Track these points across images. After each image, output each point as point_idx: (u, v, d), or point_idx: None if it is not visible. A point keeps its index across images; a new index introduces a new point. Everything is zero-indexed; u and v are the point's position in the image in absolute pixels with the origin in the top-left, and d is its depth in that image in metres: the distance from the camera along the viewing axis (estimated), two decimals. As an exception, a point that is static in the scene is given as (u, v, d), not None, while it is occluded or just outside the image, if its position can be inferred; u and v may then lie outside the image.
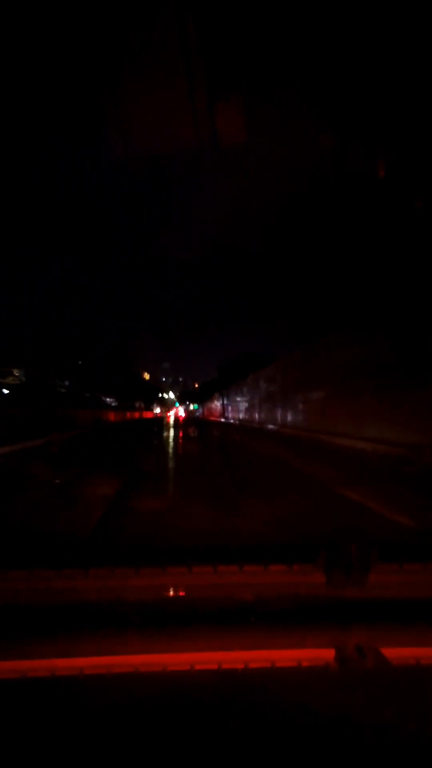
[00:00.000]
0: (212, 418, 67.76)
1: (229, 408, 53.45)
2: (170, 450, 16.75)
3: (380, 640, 1.14)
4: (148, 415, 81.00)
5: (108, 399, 70.70)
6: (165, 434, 26.45)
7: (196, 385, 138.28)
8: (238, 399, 45.84)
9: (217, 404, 68.49)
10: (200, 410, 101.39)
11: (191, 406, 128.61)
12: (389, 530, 4.75)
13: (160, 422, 42.40)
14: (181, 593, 1.39)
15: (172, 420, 65.09)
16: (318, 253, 21.28)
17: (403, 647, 1.15)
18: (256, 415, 35.23)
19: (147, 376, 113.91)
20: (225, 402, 56.26)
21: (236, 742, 0.79)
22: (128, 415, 41.45)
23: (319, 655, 1.11)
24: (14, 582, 1.35)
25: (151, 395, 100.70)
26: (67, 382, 47.96)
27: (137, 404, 72.42)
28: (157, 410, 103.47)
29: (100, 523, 4.94)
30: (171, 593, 1.40)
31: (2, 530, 4.40)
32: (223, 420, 53.44)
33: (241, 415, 43.92)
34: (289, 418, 24.24)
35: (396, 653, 1.10)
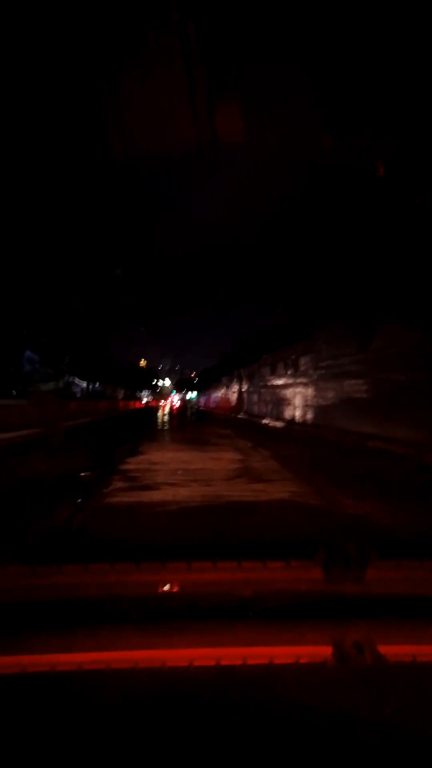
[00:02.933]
0: (219, 412, 46.18)
1: (254, 398, 31.78)
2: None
3: (378, 636, 1.10)
4: (135, 405, 59.46)
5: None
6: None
7: (193, 374, 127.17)
8: (280, 382, 24.23)
9: (228, 392, 46.90)
10: (202, 399, 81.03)
11: (188, 395, 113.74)
12: None
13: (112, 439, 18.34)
14: (181, 589, 1.37)
15: (165, 413, 43.60)
16: (318, 246, 18.33)
17: (401, 644, 1.12)
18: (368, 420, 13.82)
19: (144, 363, 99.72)
20: (246, 388, 34.59)
21: (235, 737, 0.79)
22: (72, 407, 20.15)
23: (317, 651, 1.07)
24: (15, 578, 1.33)
25: (137, 381, 79.15)
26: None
27: (108, 391, 50.90)
28: (145, 399, 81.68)
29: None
30: (170, 589, 1.37)
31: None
32: (244, 416, 31.92)
33: (289, 412, 22.29)
34: None
35: (393, 650, 1.07)
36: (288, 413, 22.04)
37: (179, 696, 0.90)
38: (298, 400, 20.71)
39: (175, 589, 1.36)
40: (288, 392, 22.43)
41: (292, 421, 20.76)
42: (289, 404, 22.15)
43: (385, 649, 1.06)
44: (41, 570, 1.35)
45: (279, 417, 23.57)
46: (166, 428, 20.72)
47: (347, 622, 1.17)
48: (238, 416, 34.13)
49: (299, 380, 20.76)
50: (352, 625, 1.15)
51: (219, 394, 56.34)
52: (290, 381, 22.16)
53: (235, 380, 41.65)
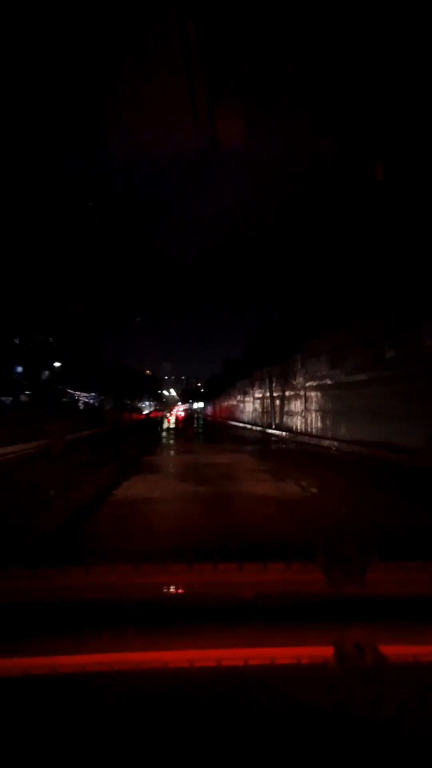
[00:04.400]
0: (235, 426, 36.14)
1: (294, 406, 21.24)
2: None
3: (379, 637, 1.08)
4: (132, 417, 49.17)
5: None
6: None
7: (199, 384, 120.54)
8: (362, 377, 13.74)
9: (245, 400, 36.27)
10: (209, 409, 70.78)
11: (194, 405, 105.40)
12: None
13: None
14: (182, 591, 1.34)
15: (168, 425, 33.31)
16: (320, 249, 18.70)
17: (401, 645, 1.09)
18: None
19: (148, 372, 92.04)
20: (279, 393, 23.84)
21: (236, 737, 0.77)
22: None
23: (318, 652, 1.05)
24: (17, 580, 1.30)
25: (136, 389, 69.07)
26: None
27: (89, 398, 40.61)
28: (147, 410, 70.87)
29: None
30: (171, 591, 1.34)
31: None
32: (280, 433, 21.38)
33: (393, 430, 11.68)
34: None
35: (394, 650, 1.05)
36: (387, 431, 11.50)
37: (181, 697, 0.88)
38: (418, 406, 10.21)
39: (176, 591, 1.32)
40: (383, 393, 11.90)
41: (415, 453, 10.24)
42: (382, 414, 11.62)
43: (386, 650, 1.02)
44: (43, 572, 1.32)
45: (355, 438, 13.05)
46: (153, 476, 10.29)
47: (348, 623, 1.13)
48: (268, 431, 23.60)
49: None
50: (353, 626, 1.11)
51: (232, 402, 45.73)
52: (394, 372, 11.63)
53: (257, 384, 31.13)
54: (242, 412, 38.83)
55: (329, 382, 16.46)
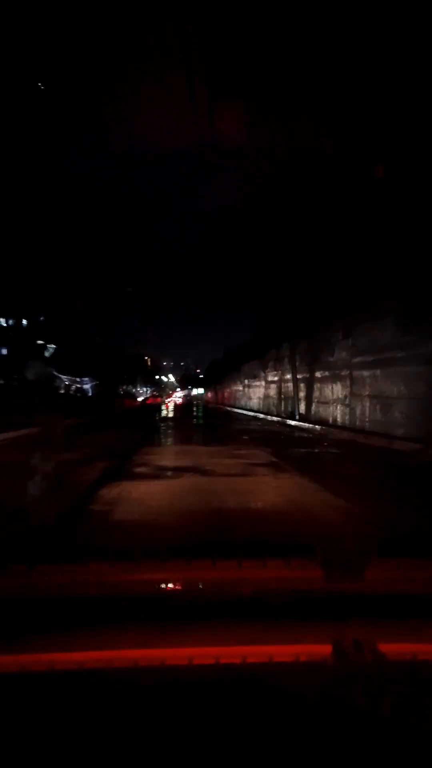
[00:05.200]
0: (243, 416, 30.92)
1: (331, 390, 15.70)
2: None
3: (378, 635, 1.05)
4: (125, 404, 43.92)
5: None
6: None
7: (198, 370, 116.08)
8: None
9: (253, 385, 30.69)
10: (210, 394, 65.86)
11: (194, 391, 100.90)
12: None
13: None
14: (180, 588, 1.33)
15: (163, 415, 28.15)
16: (321, 242, 17.28)
17: (400, 642, 1.07)
18: None
19: (147, 358, 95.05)
20: (307, 375, 18.26)
21: (234, 735, 0.76)
22: None
23: (317, 649, 1.03)
24: (15, 577, 1.28)
25: (135, 375, 63.71)
26: None
27: (81, 384, 35.57)
28: (141, 397, 65.23)
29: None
30: (170, 588, 1.32)
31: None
32: (310, 426, 15.96)
33: None
34: None
35: (393, 648, 1.03)
36: None
37: (179, 694, 0.87)
38: None
39: (175, 588, 1.32)
40: None
41: None
42: None
43: (384, 648, 1.01)
44: (41, 569, 1.31)
45: None
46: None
47: (347, 621, 1.12)
48: (291, 423, 18.18)
49: None
50: (352, 624, 1.10)
51: (237, 388, 40.33)
52: None
53: (270, 365, 25.64)
54: (250, 398, 33.43)
55: (400, 354, 10.96)
